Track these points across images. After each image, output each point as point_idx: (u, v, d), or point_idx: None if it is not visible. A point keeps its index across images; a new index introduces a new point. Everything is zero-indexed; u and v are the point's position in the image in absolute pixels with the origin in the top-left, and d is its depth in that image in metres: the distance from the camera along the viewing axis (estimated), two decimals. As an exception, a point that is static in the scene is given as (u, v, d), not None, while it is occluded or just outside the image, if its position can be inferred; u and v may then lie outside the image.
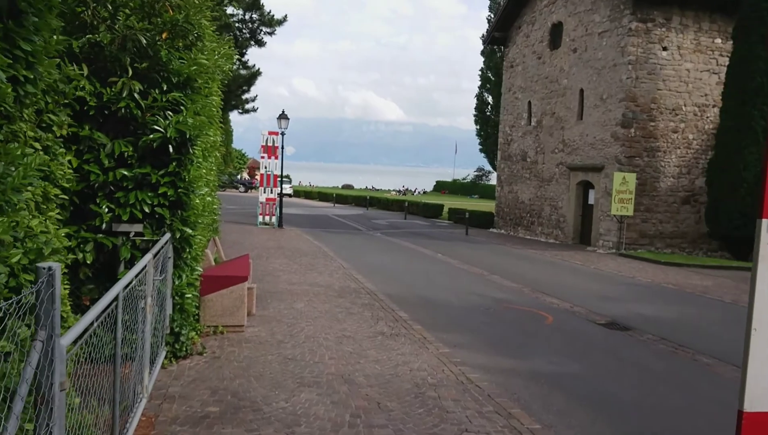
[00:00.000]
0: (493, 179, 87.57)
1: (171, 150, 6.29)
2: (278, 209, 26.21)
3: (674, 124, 21.17)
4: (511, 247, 22.29)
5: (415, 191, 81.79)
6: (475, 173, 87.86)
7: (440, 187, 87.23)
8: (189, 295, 6.90)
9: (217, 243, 11.26)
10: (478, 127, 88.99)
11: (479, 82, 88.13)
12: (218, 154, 10.67)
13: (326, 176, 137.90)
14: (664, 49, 20.81)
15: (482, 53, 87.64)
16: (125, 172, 6.20)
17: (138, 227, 6.35)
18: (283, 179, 27.09)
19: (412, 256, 18.60)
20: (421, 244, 21.63)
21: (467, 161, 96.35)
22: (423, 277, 14.48)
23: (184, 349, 6.70)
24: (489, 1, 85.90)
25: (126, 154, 6.21)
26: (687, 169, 21.46)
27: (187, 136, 6.26)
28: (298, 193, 60.28)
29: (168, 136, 6.16)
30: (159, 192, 6.31)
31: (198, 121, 6.43)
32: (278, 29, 20.54)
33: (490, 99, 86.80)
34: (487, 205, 46.65)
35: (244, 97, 22.05)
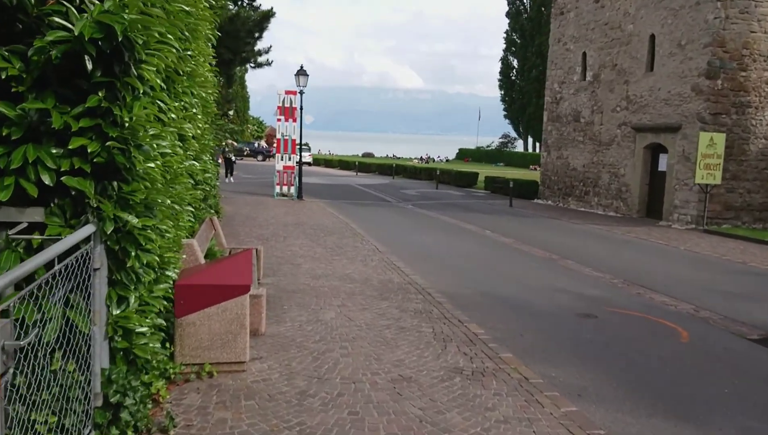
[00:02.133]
0: (519, 146, 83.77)
1: (90, 66, 3.27)
2: (297, 179, 23.22)
3: (769, 74, 17.64)
4: (567, 221, 19.10)
5: (437, 159, 78.32)
6: (501, 140, 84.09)
7: (463, 155, 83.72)
8: (143, 330, 3.93)
9: (215, 225, 8.30)
10: (502, 92, 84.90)
11: (504, 45, 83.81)
12: (211, 102, 7.63)
13: (345, 145, 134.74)
14: (760, -18, 17.18)
15: (507, 14, 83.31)
16: (1, 110, 3.20)
17: (35, 214, 3.38)
18: (302, 147, 24.05)
19: (457, 233, 15.54)
20: (463, 219, 18.54)
21: (488, 128, 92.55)
22: (479, 263, 11.44)
23: (131, 431, 3.75)
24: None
25: (4, 75, 3.20)
26: (782, 129, 17.99)
27: (120, 40, 3.22)
28: (317, 161, 57.24)
29: (81, 37, 3.13)
30: (71, 147, 3.30)
31: (145, 19, 3.40)
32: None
33: (515, 63, 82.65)
34: (521, 173, 43.27)
35: (255, 47, 18.91)
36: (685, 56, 18.01)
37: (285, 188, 23.43)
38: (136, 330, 3.86)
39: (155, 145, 3.82)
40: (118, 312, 3.73)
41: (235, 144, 40.57)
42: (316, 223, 15.84)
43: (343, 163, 51.80)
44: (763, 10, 17.29)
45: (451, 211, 20.90)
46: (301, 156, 23.45)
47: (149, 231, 3.76)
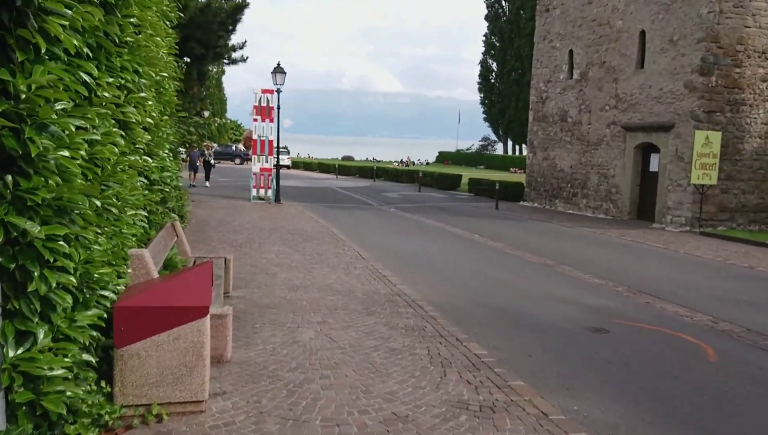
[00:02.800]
0: (499, 149, 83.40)
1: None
2: (275, 181, 22.19)
3: (764, 70, 17.05)
4: (557, 224, 18.32)
5: (417, 162, 77.62)
6: (480, 143, 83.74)
7: (443, 158, 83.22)
8: (58, 374, 2.95)
9: (177, 232, 7.29)
10: (482, 95, 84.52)
11: (483, 48, 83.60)
12: (170, 88, 6.62)
13: (325, 148, 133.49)
14: (754, -25, 16.60)
15: (486, 18, 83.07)
16: None
17: None
18: (281, 150, 23.06)
19: (444, 238, 14.66)
20: (449, 222, 17.68)
21: (468, 132, 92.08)
22: (471, 270, 10.55)
23: None
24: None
25: None
26: (776, 127, 17.42)
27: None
28: (297, 164, 56.10)
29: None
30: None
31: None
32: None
33: (494, 66, 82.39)
34: (504, 176, 42.63)
35: (229, 42, 17.84)
36: (678, 52, 17.36)
37: (262, 191, 22.39)
38: (47, 374, 2.87)
39: (72, 128, 2.84)
40: (18, 353, 2.74)
41: (215, 146, 39.02)
42: (294, 228, 14.85)
43: (323, 166, 50.78)
44: (758, 4, 16.71)
45: (436, 214, 20.03)
46: (278, 158, 22.44)
47: (61, 242, 2.78)
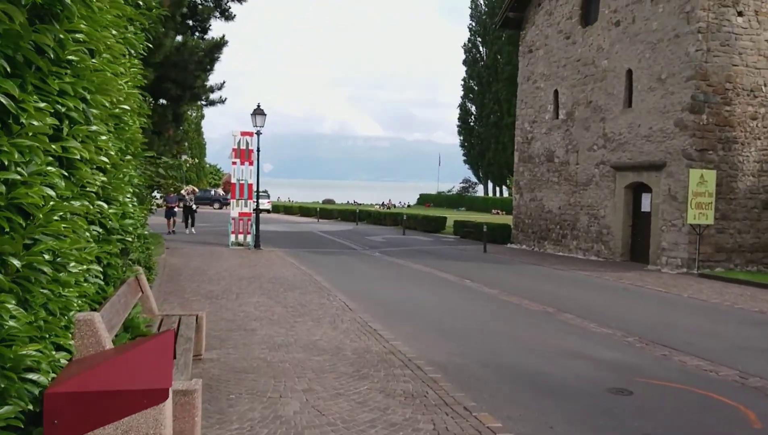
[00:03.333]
0: (480, 191, 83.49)
1: None
2: (254, 226, 21.32)
3: (753, 108, 16.81)
4: (550, 267, 17.64)
5: (398, 205, 77.21)
6: (461, 185, 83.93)
7: (424, 200, 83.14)
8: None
9: (142, 287, 6.40)
10: (461, 138, 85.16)
11: (461, 92, 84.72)
12: (134, 125, 5.83)
13: (305, 192, 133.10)
14: (740, 14, 16.50)
15: (464, 62, 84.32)
16: None
17: None
18: (261, 194, 22.30)
19: (434, 284, 13.87)
20: (438, 267, 16.91)
21: (448, 174, 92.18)
22: (468, 320, 9.74)
23: None
24: (470, 9, 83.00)
25: None
26: (769, 166, 17.10)
27: None
28: (277, 208, 55.25)
29: None
30: None
31: None
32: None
33: (473, 109, 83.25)
34: (487, 217, 42.20)
35: (207, 83, 17.21)
36: (666, 90, 17.08)
37: (241, 237, 21.49)
38: None
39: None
40: None
41: (197, 190, 37.82)
42: (275, 276, 13.96)
43: (304, 210, 50.00)
44: (744, 43, 16.56)
45: (423, 258, 19.26)
46: (258, 202, 21.64)
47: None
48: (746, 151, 16.79)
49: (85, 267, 4.25)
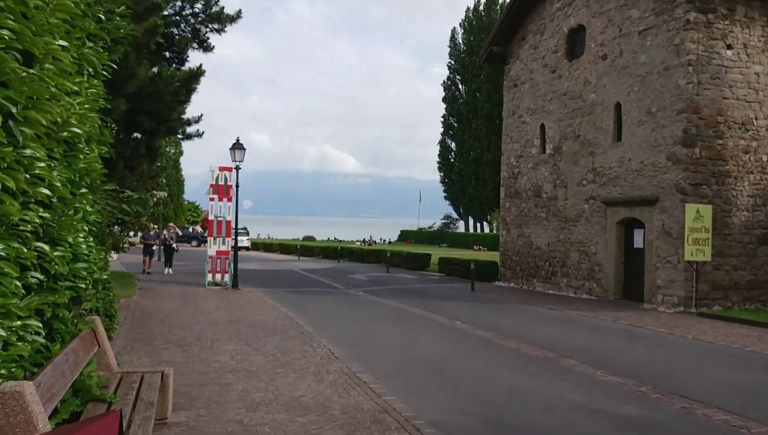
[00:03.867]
0: (461, 227, 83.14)
1: None
2: (232, 265, 20.37)
3: (745, 142, 16.48)
4: (542, 307, 16.91)
5: (379, 241, 76.32)
6: (443, 221, 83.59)
7: (405, 237, 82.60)
8: None
9: (98, 340, 5.51)
10: (441, 174, 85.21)
11: (441, 129, 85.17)
12: (91, 153, 5.02)
13: (285, 229, 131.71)
14: (729, 47, 16.29)
15: (443, 100, 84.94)
16: None
17: None
18: (240, 231, 21.41)
19: (425, 327, 13.03)
20: (426, 307, 16.10)
21: (428, 211, 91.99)
22: (465, 369, 8.92)
23: None
24: (449, 48, 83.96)
25: None
26: (763, 200, 16.70)
27: None
28: (256, 245, 54.16)
29: None
30: None
31: None
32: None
33: (453, 145, 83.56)
34: (469, 254, 41.61)
35: (183, 116, 16.47)
36: (657, 124, 16.72)
37: (218, 276, 20.51)
38: None
39: None
40: None
41: (178, 231, 36.26)
42: (254, 320, 13.02)
43: (284, 247, 48.98)
44: (733, 76, 16.32)
45: (409, 298, 18.43)
46: (236, 239, 20.74)
47: None
48: (740, 186, 16.40)
49: (17, 323, 3.43)
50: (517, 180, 23.13)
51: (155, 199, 14.72)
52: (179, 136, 17.03)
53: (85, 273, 4.92)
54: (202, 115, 17.09)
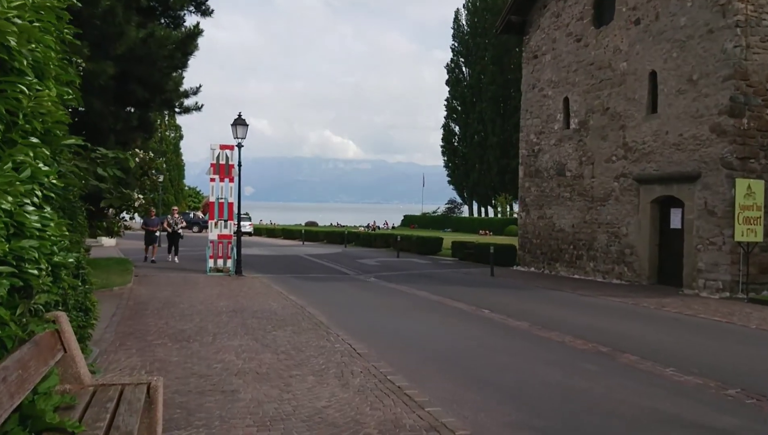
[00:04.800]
0: (465, 212, 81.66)
1: None
2: (235, 250, 19.03)
3: (796, 112, 15.02)
4: (572, 292, 15.55)
5: (382, 226, 74.70)
6: (447, 206, 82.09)
7: (409, 221, 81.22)
8: None
9: (64, 343, 4.16)
10: (445, 158, 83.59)
11: (445, 113, 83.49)
12: (53, 106, 3.62)
13: (287, 215, 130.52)
14: (780, 7, 14.78)
15: (447, 83, 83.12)
16: None
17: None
18: (242, 216, 20.02)
19: (448, 316, 11.70)
20: (446, 294, 14.77)
21: (430, 196, 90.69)
22: (516, 370, 7.56)
23: None
24: (452, 29, 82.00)
25: None
26: (815, 176, 15.26)
27: None
28: (259, 231, 52.83)
29: None
30: None
31: None
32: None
33: (457, 129, 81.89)
34: (476, 238, 40.25)
35: (180, 87, 15.04)
36: (699, 93, 15.25)
37: (220, 262, 19.17)
38: None
39: None
40: None
41: (178, 216, 33.98)
42: (261, 309, 11.67)
43: (288, 232, 47.62)
44: (785, 39, 14.82)
45: (426, 283, 17.09)
46: (240, 223, 19.37)
47: None
48: (790, 160, 14.96)
49: None
50: (538, 158, 21.69)
51: (138, 158, 13.19)
52: (176, 109, 15.60)
53: (37, 254, 3.54)
54: (201, 86, 15.65)
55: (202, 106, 15.87)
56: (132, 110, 13.66)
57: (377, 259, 25.77)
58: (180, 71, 14.29)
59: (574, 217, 19.73)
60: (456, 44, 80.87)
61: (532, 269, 21.68)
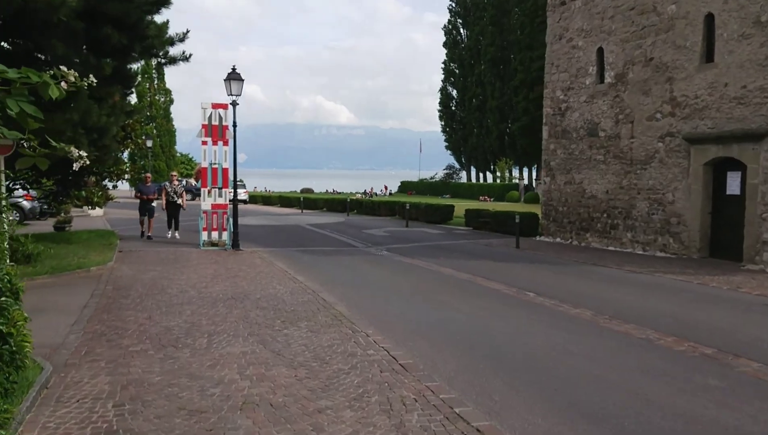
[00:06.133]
0: (463, 177, 79.55)
1: None
2: (231, 221, 16.99)
3: None
4: (615, 268, 13.61)
5: (379, 193, 72.33)
6: (445, 171, 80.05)
7: (406, 188, 79.17)
8: None
9: None
10: (443, 123, 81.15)
11: (442, 76, 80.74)
12: None
13: (281, 181, 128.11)
14: None
15: (444, 45, 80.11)
16: None
17: None
18: (237, 184, 17.81)
19: (490, 301, 9.77)
20: (472, 270, 12.87)
21: (425, 162, 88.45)
22: (618, 388, 5.62)
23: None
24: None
25: None
26: None
27: None
28: (254, 198, 50.63)
29: None
30: None
31: None
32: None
33: (454, 93, 79.24)
34: (472, 204, 38.29)
35: (165, 33, 12.80)
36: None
37: (215, 234, 17.14)
38: None
39: None
40: None
41: (181, 182, 27.30)
42: (265, 296, 9.69)
43: (284, 200, 45.47)
44: None
45: (447, 258, 15.16)
46: (236, 190, 17.30)
47: None
48: None
49: None
50: (565, 117, 19.55)
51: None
52: (160, 58, 13.35)
53: None
54: (188, 32, 13.37)
55: (190, 55, 13.62)
56: (107, 59, 11.41)
57: (385, 229, 23.77)
58: (162, 8, 12.02)
59: (609, 182, 17.70)
60: (453, 5, 77.91)
61: (558, 240, 19.74)
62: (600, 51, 18.02)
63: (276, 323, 7.78)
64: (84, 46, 11.46)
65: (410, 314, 8.70)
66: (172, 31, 13.43)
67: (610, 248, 17.40)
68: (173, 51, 13.51)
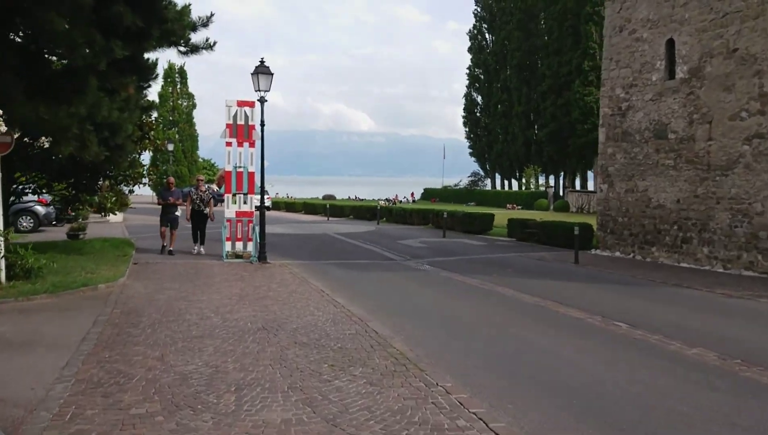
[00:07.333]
0: (488, 184, 77.42)
1: None
2: (257, 230, 15.31)
3: None
4: (705, 290, 11.61)
5: (403, 200, 70.60)
6: (470, 178, 78.04)
7: (429, 195, 77.46)
8: None
9: None
10: (467, 129, 79.14)
11: (467, 82, 78.86)
12: None
13: (303, 188, 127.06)
14: None
15: (469, 50, 78.22)
16: None
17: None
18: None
19: (568, 331, 7.91)
20: (539, 292, 11.02)
21: (448, 169, 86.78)
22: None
23: None
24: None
25: None
26: None
27: None
28: (277, 205, 49.17)
29: None
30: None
31: None
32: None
33: (479, 99, 77.27)
34: (503, 213, 36.31)
35: (188, 16, 11.19)
36: None
37: (239, 245, 15.46)
38: None
39: None
40: None
41: (209, 188, 23.90)
42: (303, 324, 7.93)
43: (309, 207, 43.87)
44: None
45: (500, 274, 13.31)
46: (263, 198, 15.62)
47: None
48: None
49: None
50: (627, 117, 17.59)
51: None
52: (181, 47, 11.74)
53: None
54: (212, 16, 11.75)
55: (215, 43, 11.99)
56: (122, 44, 9.80)
57: (421, 240, 21.94)
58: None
59: (680, 191, 15.71)
60: (479, 9, 76.19)
61: (617, 254, 17.74)
62: (670, 43, 16.06)
63: (322, 368, 6.01)
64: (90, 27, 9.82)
65: (490, 357, 6.88)
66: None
67: (683, 265, 15.38)
68: (195, 38, 11.88)
